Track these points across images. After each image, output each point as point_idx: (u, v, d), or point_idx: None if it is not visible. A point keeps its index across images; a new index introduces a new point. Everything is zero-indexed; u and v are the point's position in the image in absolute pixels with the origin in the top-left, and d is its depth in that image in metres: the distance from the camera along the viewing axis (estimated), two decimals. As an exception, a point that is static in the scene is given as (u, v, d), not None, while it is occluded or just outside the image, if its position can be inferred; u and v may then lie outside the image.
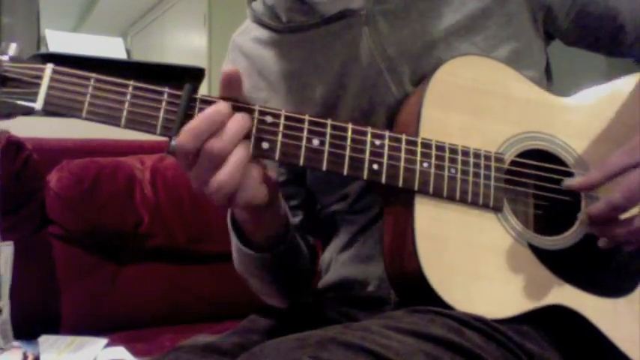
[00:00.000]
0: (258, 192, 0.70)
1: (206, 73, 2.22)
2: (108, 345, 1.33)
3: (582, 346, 0.76)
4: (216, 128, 0.65)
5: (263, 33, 0.93)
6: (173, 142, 0.66)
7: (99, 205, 1.50)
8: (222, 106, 0.66)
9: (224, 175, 0.66)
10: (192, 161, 0.66)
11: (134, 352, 1.29)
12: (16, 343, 1.27)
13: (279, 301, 0.93)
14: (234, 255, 0.88)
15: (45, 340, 1.31)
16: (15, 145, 1.42)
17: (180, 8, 5.51)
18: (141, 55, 5.92)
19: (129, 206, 1.53)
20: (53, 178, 1.48)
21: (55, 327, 1.42)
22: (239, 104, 0.68)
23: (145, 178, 1.58)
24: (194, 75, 2.12)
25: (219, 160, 0.65)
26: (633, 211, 0.73)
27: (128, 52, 2.36)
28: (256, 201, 0.70)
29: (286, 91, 0.90)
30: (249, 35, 0.95)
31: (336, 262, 0.91)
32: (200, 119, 0.65)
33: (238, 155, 0.66)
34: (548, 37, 0.92)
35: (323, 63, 0.87)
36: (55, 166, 1.50)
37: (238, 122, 0.67)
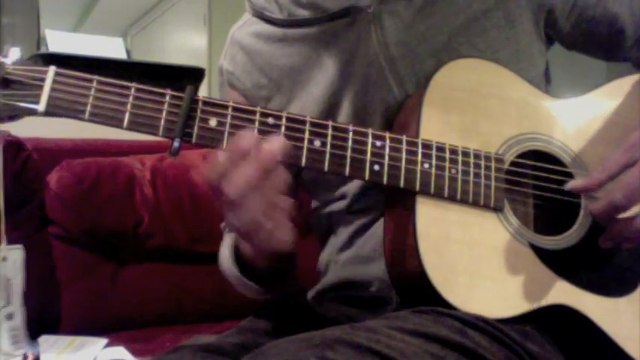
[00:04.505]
0: (282, 240, 0.69)
1: (206, 73, 2.22)
2: (108, 345, 1.33)
3: (585, 346, 0.76)
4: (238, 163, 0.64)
5: (264, 27, 0.92)
6: (176, 144, 0.66)
7: (99, 205, 1.49)
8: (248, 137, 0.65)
9: (247, 215, 0.65)
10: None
11: (134, 352, 1.28)
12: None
13: (260, 299, 0.93)
14: (225, 265, 0.87)
15: (45, 340, 1.31)
16: (15, 145, 1.42)
17: (180, 8, 5.50)
18: (141, 55, 5.91)
19: (129, 206, 1.53)
20: (53, 178, 1.48)
21: (55, 327, 1.42)
22: (241, 106, 0.69)
23: (145, 178, 1.58)
24: (194, 75, 2.12)
25: (236, 204, 0.65)
26: (633, 210, 0.73)
27: (128, 52, 2.36)
28: (280, 249, 0.69)
29: (289, 87, 0.90)
30: (248, 29, 0.94)
31: (336, 263, 0.91)
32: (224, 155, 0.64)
33: (257, 204, 0.65)
34: (549, 40, 0.92)
35: (326, 59, 0.87)
36: (55, 166, 1.49)
37: (254, 164, 0.64)
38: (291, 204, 0.67)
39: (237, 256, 0.82)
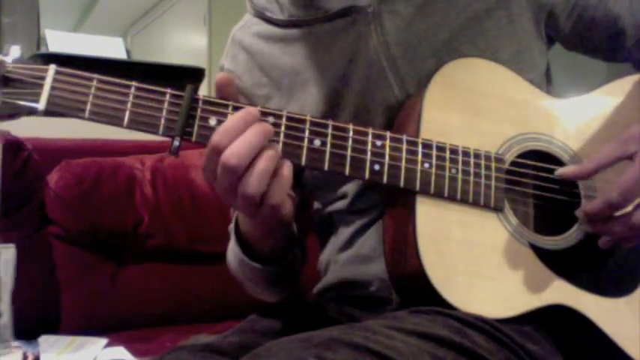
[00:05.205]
0: (285, 201, 0.70)
1: (206, 73, 2.22)
2: (108, 345, 1.33)
3: (584, 347, 0.76)
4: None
5: (265, 27, 0.92)
6: (176, 143, 0.66)
7: (99, 205, 1.49)
8: (253, 110, 0.67)
9: (249, 185, 0.65)
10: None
11: (134, 352, 1.29)
12: (15, 343, 1.27)
13: (271, 299, 0.93)
14: (231, 259, 0.88)
15: (45, 340, 1.31)
16: (15, 145, 1.42)
17: (180, 8, 5.50)
18: (141, 55, 5.91)
19: (129, 206, 1.53)
20: (53, 178, 1.48)
21: (55, 327, 1.42)
22: (239, 104, 0.69)
23: (145, 178, 1.58)
24: (194, 75, 2.13)
25: (237, 173, 0.65)
26: (630, 207, 0.73)
27: (128, 52, 2.36)
28: (283, 210, 0.70)
29: (288, 87, 0.89)
30: (249, 30, 0.94)
31: (336, 263, 0.91)
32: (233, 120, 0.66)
33: (264, 165, 0.66)
34: (550, 40, 0.92)
35: (327, 59, 0.87)
36: (55, 166, 1.50)
37: (255, 133, 0.66)
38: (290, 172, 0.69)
39: (242, 244, 0.83)
